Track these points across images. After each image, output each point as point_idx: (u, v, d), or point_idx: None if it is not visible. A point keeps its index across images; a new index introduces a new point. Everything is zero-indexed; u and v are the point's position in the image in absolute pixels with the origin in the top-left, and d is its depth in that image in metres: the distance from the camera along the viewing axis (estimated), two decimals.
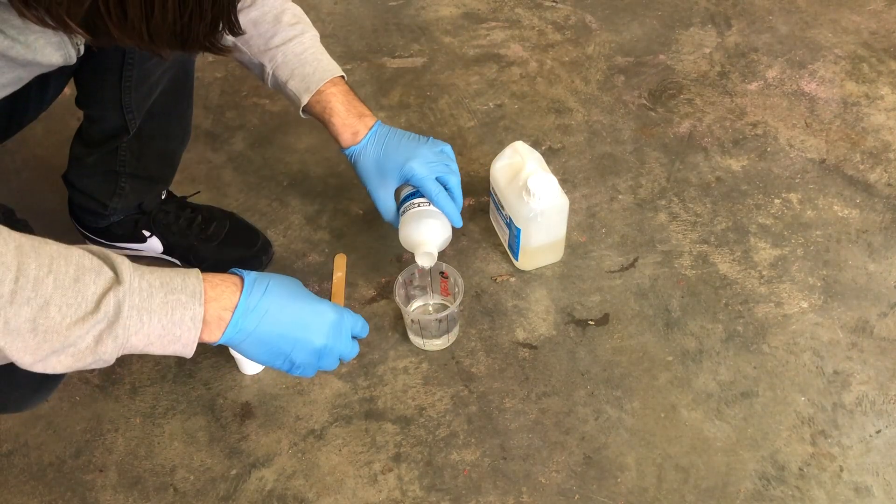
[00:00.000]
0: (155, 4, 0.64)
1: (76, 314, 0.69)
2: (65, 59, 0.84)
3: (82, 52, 0.87)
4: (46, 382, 0.90)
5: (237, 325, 0.80)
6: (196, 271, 0.79)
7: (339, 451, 1.13)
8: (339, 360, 0.92)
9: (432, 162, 1.14)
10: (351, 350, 0.92)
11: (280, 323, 0.83)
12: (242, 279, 0.81)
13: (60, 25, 0.65)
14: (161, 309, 0.74)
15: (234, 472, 1.12)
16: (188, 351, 0.78)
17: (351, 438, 1.14)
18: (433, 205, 1.14)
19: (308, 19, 1.17)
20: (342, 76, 1.16)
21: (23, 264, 0.67)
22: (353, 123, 1.15)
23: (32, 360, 0.70)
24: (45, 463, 1.14)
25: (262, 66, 1.14)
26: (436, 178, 1.14)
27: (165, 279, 0.75)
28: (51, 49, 0.80)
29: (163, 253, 1.33)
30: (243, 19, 1.12)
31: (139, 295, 0.72)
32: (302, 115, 1.16)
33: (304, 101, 1.13)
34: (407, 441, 1.13)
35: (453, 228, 1.17)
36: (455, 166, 1.17)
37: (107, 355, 0.72)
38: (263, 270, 1.33)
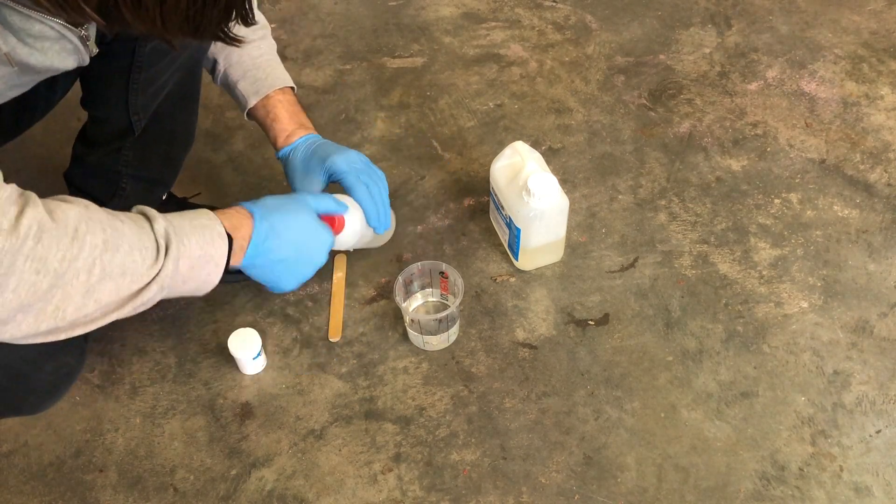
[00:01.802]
0: None
1: (150, 255, 0.81)
2: (79, 62, 0.85)
3: (95, 52, 0.87)
4: (60, 385, 0.91)
5: (256, 247, 0.93)
6: (202, 209, 0.89)
7: (339, 451, 1.13)
8: None
9: (355, 162, 1.13)
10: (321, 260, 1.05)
11: (286, 247, 0.96)
12: (250, 213, 0.94)
13: (75, 11, 0.65)
14: (192, 231, 0.86)
15: (234, 472, 1.12)
16: (220, 271, 0.89)
17: (351, 438, 1.14)
18: (353, 199, 1.12)
19: (269, 29, 1.18)
20: (292, 87, 1.17)
21: (108, 219, 0.79)
22: (290, 129, 1.15)
23: (122, 301, 0.79)
24: (45, 463, 1.14)
25: (214, 62, 1.15)
26: (359, 178, 1.13)
27: (184, 214, 0.87)
28: (66, 54, 0.82)
29: None
30: None
31: (176, 227, 0.84)
32: (246, 118, 1.17)
33: (251, 103, 1.13)
34: (407, 441, 1.13)
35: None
36: (380, 175, 1.16)
37: (167, 289, 0.83)
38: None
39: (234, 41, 0.74)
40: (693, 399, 1.16)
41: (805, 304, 1.26)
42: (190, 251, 0.84)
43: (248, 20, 0.71)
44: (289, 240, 0.97)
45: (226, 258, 0.88)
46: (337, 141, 1.14)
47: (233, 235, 0.90)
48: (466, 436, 1.14)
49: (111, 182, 1.23)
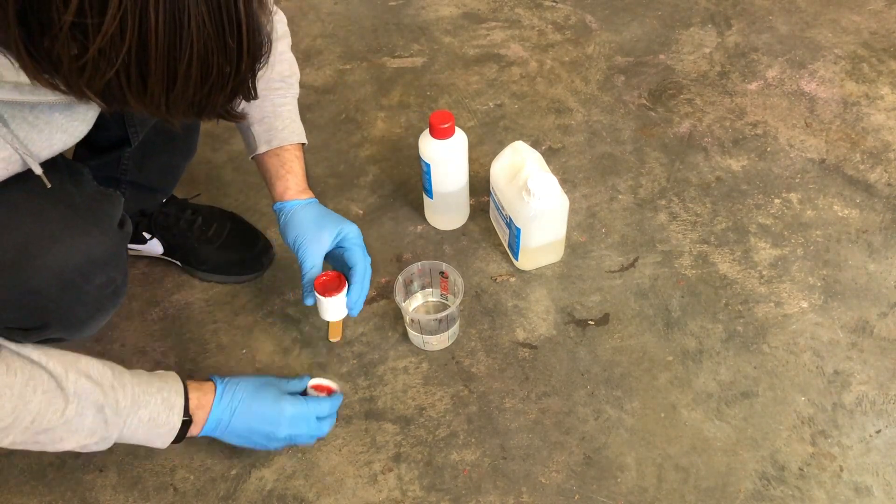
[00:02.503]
0: (178, 76, 0.63)
1: (76, 440, 0.92)
2: (82, 131, 0.87)
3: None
4: (106, 302, 0.94)
5: (211, 426, 1.03)
6: (181, 405, 0.99)
7: (339, 451, 1.13)
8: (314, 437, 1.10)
9: (360, 239, 1.14)
10: (317, 431, 1.09)
11: (248, 420, 1.04)
12: (216, 387, 1.03)
13: (76, 94, 0.65)
14: (144, 437, 0.98)
15: (234, 472, 1.12)
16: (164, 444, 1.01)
17: (351, 438, 1.14)
18: (351, 275, 1.11)
19: (298, 76, 1.17)
20: (303, 143, 1.16)
21: (80, 405, 0.91)
22: (303, 186, 1.15)
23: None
24: (45, 463, 1.14)
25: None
26: (365, 255, 1.13)
27: (154, 414, 0.97)
28: (78, 123, 0.85)
29: (163, 254, 1.33)
30: None
31: (128, 430, 0.96)
32: (249, 157, 1.16)
33: (261, 150, 1.12)
34: (407, 441, 1.13)
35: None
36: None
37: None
38: (264, 271, 1.33)
39: (236, 118, 0.75)
40: (693, 399, 1.16)
41: (805, 304, 1.26)
42: (126, 440, 0.97)
43: (250, 98, 0.72)
44: (240, 426, 1.04)
45: (167, 445, 1.01)
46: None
47: (192, 416, 1.01)
48: (466, 436, 1.14)
49: (109, 187, 1.23)
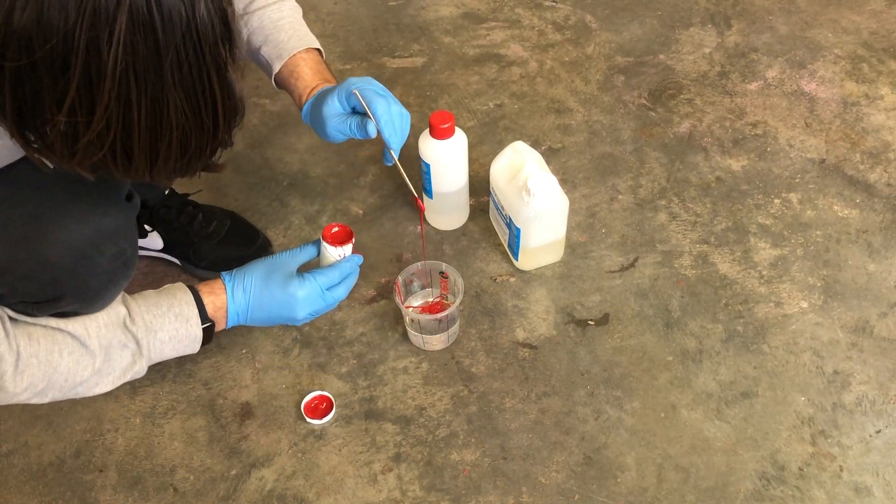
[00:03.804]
0: (160, 153, 0.69)
1: (109, 379, 0.98)
2: None
3: None
4: (118, 272, 0.96)
5: (233, 321, 1.05)
6: (195, 315, 1.01)
7: (339, 451, 1.13)
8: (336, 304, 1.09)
9: (371, 82, 1.09)
10: (334, 300, 1.07)
11: (265, 308, 1.05)
12: (225, 286, 1.04)
13: (66, 169, 0.70)
14: (171, 352, 1.02)
15: (234, 472, 1.12)
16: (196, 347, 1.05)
17: (351, 438, 1.14)
18: (370, 110, 1.06)
19: None
20: (319, 49, 1.14)
21: (107, 353, 0.95)
22: (313, 84, 1.12)
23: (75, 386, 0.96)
24: (45, 463, 1.14)
25: (238, 31, 1.13)
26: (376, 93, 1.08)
27: (173, 332, 1.00)
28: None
29: (162, 250, 1.33)
30: None
31: (155, 353, 1.00)
32: (275, 87, 1.15)
33: (276, 68, 1.11)
34: (407, 441, 1.13)
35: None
36: (392, 97, 1.11)
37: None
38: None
39: (216, 170, 0.82)
40: (693, 399, 1.16)
41: (805, 304, 1.26)
42: (159, 358, 1.02)
43: (227, 146, 0.79)
44: (261, 315, 1.06)
45: (199, 349, 1.04)
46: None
47: (213, 319, 1.04)
48: (466, 436, 1.14)
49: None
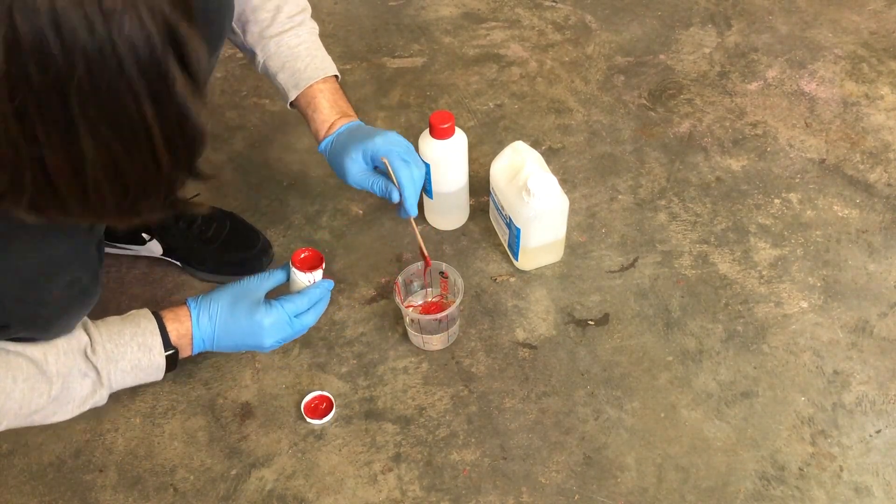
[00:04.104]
0: (89, 196, 0.61)
1: (66, 409, 0.94)
2: None
3: None
4: (73, 302, 0.91)
5: (199, 348, 1.02)
6: (158, 343, 0.98)
7: (339, 451, 1.13)
8: (307, 329, 1.07)
9: (396, 144, 1.10)
10: (301, 328, 1.05)
11: (231, 336, 1.02)
12: (190, 322, 1.01)
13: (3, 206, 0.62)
14: (133, 381, 0.99)
15: (234, 472, 1.12)
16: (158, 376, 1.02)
17: (351, 438, 1.14)
18: (396, 177, 1.09)
19: (308, 10, 1.16)
20: (336, 76, 1.15)
21: (25, 401, 0.89)
22: (331, 119, 1.13)
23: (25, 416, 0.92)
24: (45, 463, 1.14)
25: (253, 54, 1.13)
26: (400, 157, 1.09)
27: (135, 361, 0.97)
28: None
29: (163, 255, 1.33)
30: (243, 5, 1.11)
31: (116, 382, 0.97)
32: (290, 108, 1.16)
33: (292, 97, 1.12)
34: (407, 441, 1.13)
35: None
36: (419, 160, 1.12)
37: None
38: (265, 271, 1.33)
39: (204, 179, 0.72)
40: (693, 399, 1.16)
41: (805, 304, 1.26)
42: (120, 388, 0.98)
43: (202, 178, 0.70)
44: (227, 342, 1.03)
45: (161, 377, 1.01)
46: None
47: (177, 346, 1.00)
48: (466, 436, 1.14)
49: None
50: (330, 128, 1.13)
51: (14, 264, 0.82)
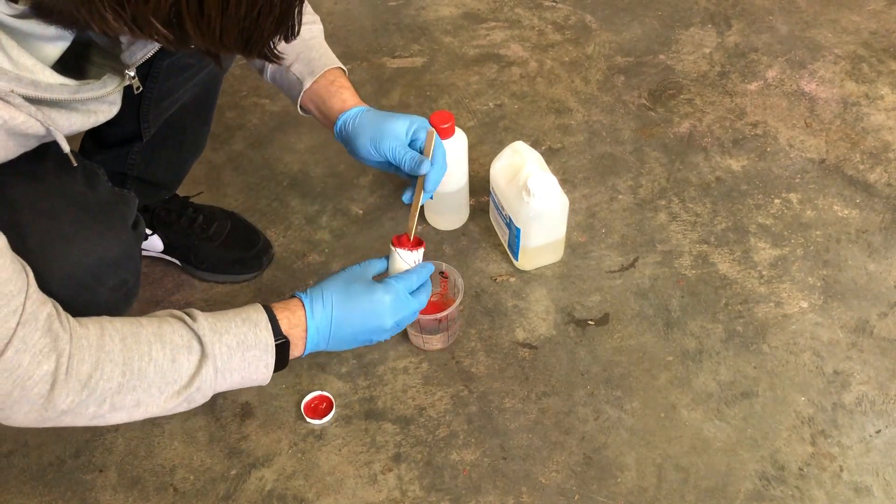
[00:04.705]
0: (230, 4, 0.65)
1: (173, 389, 0.83)
2: (108, 115, 0.87)
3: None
4: (119, 304, 0.92)
5: (313, 342, 0.93)
6: (265, 319, 0.89)
7: (339, 451, 1.13)
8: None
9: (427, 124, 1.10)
10: (418, 305, 0.99)
11: (351, 321, 0.94)
12: (304, 312, 0.92)
13: (144, 28, 0.66)
14: (240, 365, 0.87)
15: (234, 472, 1.12)
16: (264, 383, 0.91)
17: (351, 438, 1.14)
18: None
19: (319, 18, 1.16)
20: (344, 70, 1.15)
21: (128, 358, 0.80)
22: (355, 101, 1.12)
23: (134, 420, 0.84)
24: (45, 463, 1.14)
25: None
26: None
27: (241, 337, 0.87)
28: (107, 106, 0.84)
29: (163, 252, 1.33)
30: None
31: (221, 359, 0.85)
32: (299, 110, 1.15)
33: (307, 84, 1.11)
34: (407, 441, 1.13)
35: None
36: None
37: (194, 406, 0.87)
38: (263, 271, 1.33)
39: (278, 59, 0.76)
40: (693, 399, 1.16)
41: (805, 304, 1.26)
42: (228, 381, 0.87)
43: (291, 35, 0.73)
44: (345, 332, 0.95)
45: (268, 379, 0.90)
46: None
47: (289, 336, 0.91)
48: (466, 436, 1.14)
49: (116, 182, 1.23)
50: (358, 103, 1.11)
51: (68, 267, 0.85)
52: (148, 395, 0.81)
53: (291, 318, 0.91)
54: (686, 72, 1.64)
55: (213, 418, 1.17)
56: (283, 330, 0.90)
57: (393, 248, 1.03)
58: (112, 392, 0.79)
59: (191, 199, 1.35)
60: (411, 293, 0.98)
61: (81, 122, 0.81)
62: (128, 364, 0.80)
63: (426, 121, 1.10)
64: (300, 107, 1.13)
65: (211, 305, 1.29)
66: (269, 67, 1.14)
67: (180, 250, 1.33)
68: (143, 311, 1.30)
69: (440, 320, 1.17)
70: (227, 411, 1.18)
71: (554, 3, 1.81)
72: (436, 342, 1.21)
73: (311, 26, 1.14)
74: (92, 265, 0.86)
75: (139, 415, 0.83)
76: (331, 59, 1.13)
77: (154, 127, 1.14)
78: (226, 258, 1.32)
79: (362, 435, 1.14)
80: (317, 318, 0.92)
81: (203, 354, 0.84)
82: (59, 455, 1.14)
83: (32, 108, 0.73)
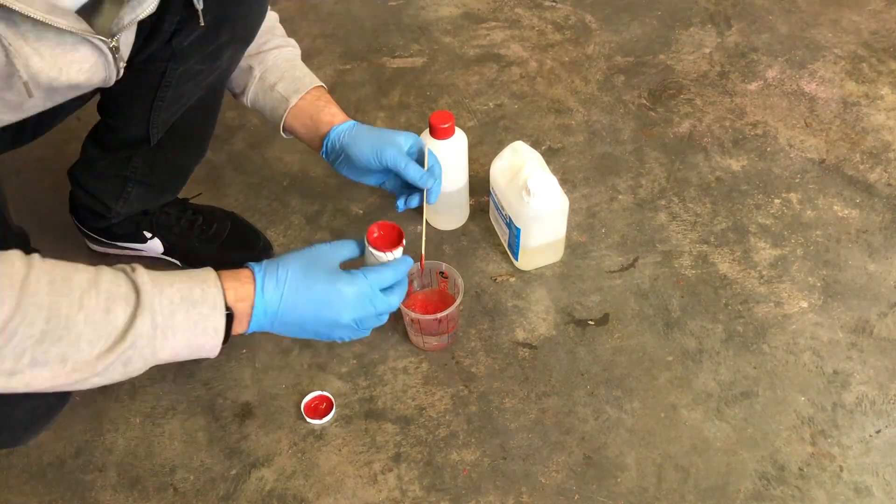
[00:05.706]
0: None
1: (105, 344, 0.72)
2: (104, 80, 0.86)
3: (121, 74, 0.87)
4: (37, 422, 0.91)
5: (258, 321, 0.84)
6: (213, 277, 0.81)
7: (339, 451, 1.13)
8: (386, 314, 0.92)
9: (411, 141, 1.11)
10: (386, 306, 0.91)
11: (301, 307, 0.85)
12: (253, 283, 0.84)
13: None
14: (184, 324, 0.77)
15: (233, 472, 1.12)
16: (213, 354, 0.81)
17: (351, 438, 1.14)
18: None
19: (298, 48, 1.21)
20: (325, 88, 1.18)
21: (54, 303, 0.69)
22: (344, 117, 1.14)
23: (60, 384, 0.72)
24: (45, 463, 1.14)
25: (249, 69, 1.15)
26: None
27: (185, 292, 0.77)
28: (92, 68, 0.81)
29: (163, 254, 1.33)
30: None
31: (161, 314, 0.75)
32: (281, 131, 1.16)
33: (293, 101, 1.13)
34: (407, 441, 1.14)
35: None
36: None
37: (135, 373, 0.76)
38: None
39: None
40: (693, 399, 1.16)
41: (805, 304, 1.26)
42: (171, 343, 0.77)
43: None
44: (294, 316, 0.86)
45: (218, 348, 0.81)
46: None
47: (234, 310, 0.82)
48: (466, 436, 1.14)
49: (117, 186, 1.23)
50: (347, 118, 1.14)
51: None
52: (76, 348, 0.71)
53: (239, 290, 0.82)
54: (686, 72, 1.64)
55: (213, 418, 1.17)
56: (228, 302, 0.80)
57: (367, 245, 0.94)
58: (34, 341, 0.69)
59: (190, 201, 1.35)
60: (382, 290, 0.90)
61: (47, 67, 0.74)
62: (53, 310, 0.69)
63: (420, 138, 1.13)
64: (282, 126, 1.15)
65: None
66: (250, 90, 1.16)
67: (180, 252, 1.33)
68: None
69: (440, 320, 1.17)
70: (226, 411, 1.18)
71: (554, 3, 1.81)
72: (436, 342, 1.21)
73: (294, 49, 1.18)
74: (7, 393, 0.72)
75: (65, 377, 0.71)
76: (314, 79, 1.16)
77: (162, 132, 1.14)
78: (226, 260, 1.31)
79: (362, 435, 1.14)
80: (266, 297, 0.83)
81: (139, 304, 0.74)
82: (58, 455, 1.14)
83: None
